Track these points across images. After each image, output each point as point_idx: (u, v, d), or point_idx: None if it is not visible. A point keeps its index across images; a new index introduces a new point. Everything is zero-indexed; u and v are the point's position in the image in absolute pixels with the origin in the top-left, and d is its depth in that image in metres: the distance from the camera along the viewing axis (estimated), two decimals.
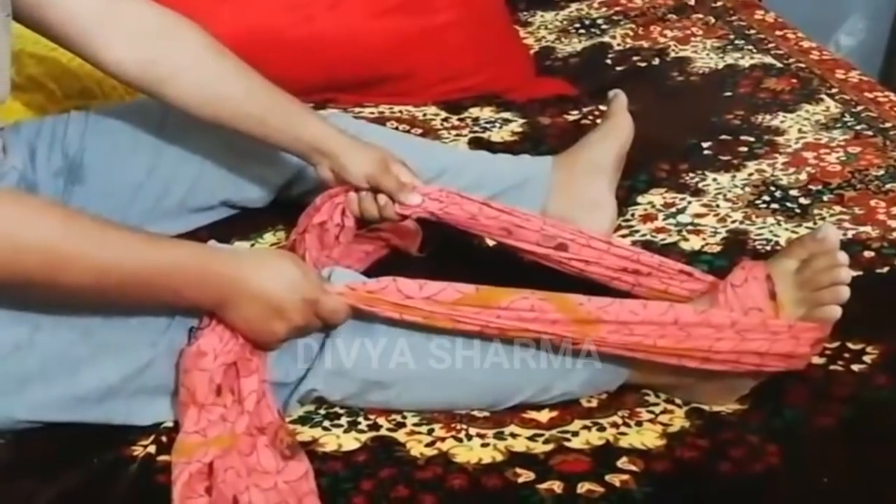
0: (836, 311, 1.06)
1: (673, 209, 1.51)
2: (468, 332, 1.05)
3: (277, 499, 0.97)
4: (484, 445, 1.07)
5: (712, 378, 1.10)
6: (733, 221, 1.47)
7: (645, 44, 2.10)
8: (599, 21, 2.23)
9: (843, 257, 1.06)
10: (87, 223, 0.96)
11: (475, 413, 1.12)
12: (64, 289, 0.95)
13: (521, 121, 1.79)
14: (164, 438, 1.06)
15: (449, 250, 1.35)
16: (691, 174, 1.60)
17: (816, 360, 1.16)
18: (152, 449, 1.05)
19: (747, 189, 1.55)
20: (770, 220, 1.46)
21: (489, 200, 1.22)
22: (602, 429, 1.09)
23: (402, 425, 1.10)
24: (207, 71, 1.23)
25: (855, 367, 1.16)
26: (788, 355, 1.06)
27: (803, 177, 1.57)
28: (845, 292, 1.05)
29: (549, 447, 1.07)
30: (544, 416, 1.11)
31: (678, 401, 1.13)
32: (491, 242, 1.32)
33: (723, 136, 1.70)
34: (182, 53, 1.23)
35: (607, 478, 1.02)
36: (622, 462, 1.04)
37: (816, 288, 1.06)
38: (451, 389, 1.11)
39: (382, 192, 1.21)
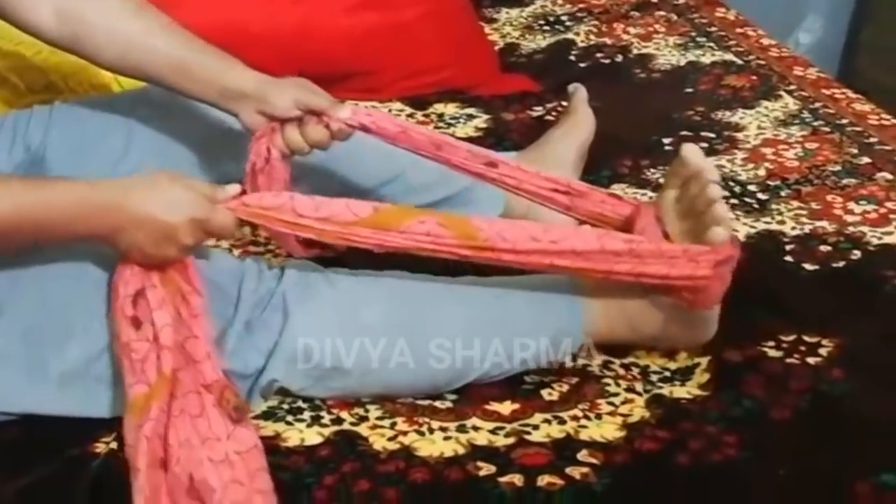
0: (719, 233, 1.08)
1: None
2: (364, 247, 1.06)
3: (230, 475, 0.96)
4: (446, 439, 1.08)
5: (671, 323, 1.14)
6: None
7: (608, 41, 2.12)
8: (563, 18, 2.25)
9: (711, 174, 1.09)
10: None
11: (437, 405, 1.13)
12: None
13: (486, 116, 1.81)
14: None
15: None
16: (653, 170, 1.61)
17: (773, 353, 1.19)
18: (115, 445, 1.05)
19: None
20: (729, 215, 1.48)
21: (449, 196, 1.23)
22: (563, 422, 1.11)
23: (364, 419, 1.11)
24: (127, 24, 1.21)
25: (811, 360, 1.18)
26: (690, 277, 1.09)
27: (762, 172, 1.59)
28: (722, 209, 1.08)
29: (511, 440, 1.08)
30: (506, 408, 1.13)
31: (638, 389, 1.15)
32: None
33: (683, 132, 1.72)
34: (98, 8, 1.21)
35: (567, 470, 1.03)
36: (582, 455, 1.06)
37: (697, 213, 1.09)
38: (410, 372, 1.11)
39: (314, 112, 1.17)
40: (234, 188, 1.06)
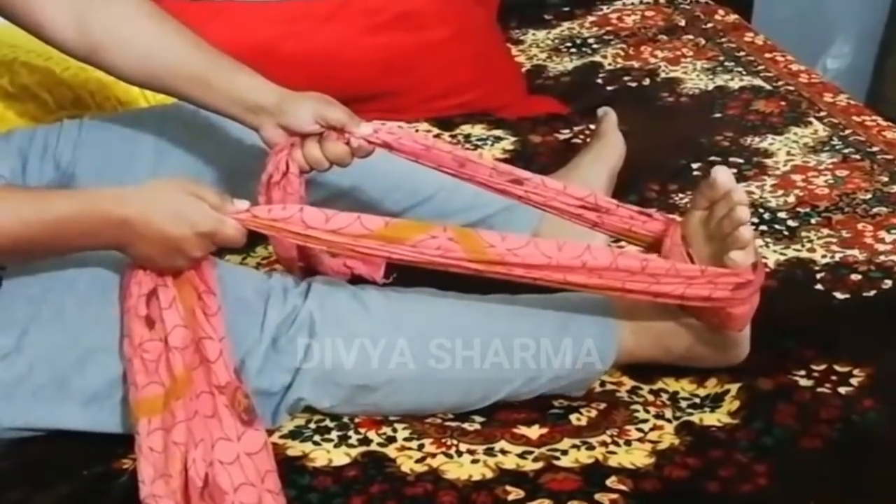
0: (741, 257, 1.08)
1: None
2: (376, 257, 1.07)
3: (242, 478, 0.97)
4: (474, 462, 1.07)
5: (700, 343, 1.14)
6: None
7: (636, 64, 2.11)
8: (591, 40, 2.24)
9: (740, 196, 1.08)
10: None
11: (465, 426, 1.12)
12: None
13: (513, 139, 1.80)
14: None
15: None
16: (681, 194, 1.61)
17: (804, 382, 1.18)
18: None
19: None
20: (759, 241, 1.47)
21: (484, 218, 1.23)
22: (591, 447, 1.10)
23: (392, 440, 1.10)
24: (145, 37, 1.21)
25: (842, 390, 1.17)
26: (708, 298, 1.08)
27: (791, 199, 1.58)
28: (747, 232, 1.08)
29: (539, 465, 1.07)
30: (534, 432, 1.12)
31: (668, 416, 1.14)
32: None
33: (712, 158, 1.71)
34: (116, 18, 1.21)
35: (597, 496, 1.03)
36: (611, 481, 1.05)
37: (723, 236, 1.09)
38: (438, 387, 1.11)
39: (333, 128, 1.15)
40: (244, 203, 1.05)
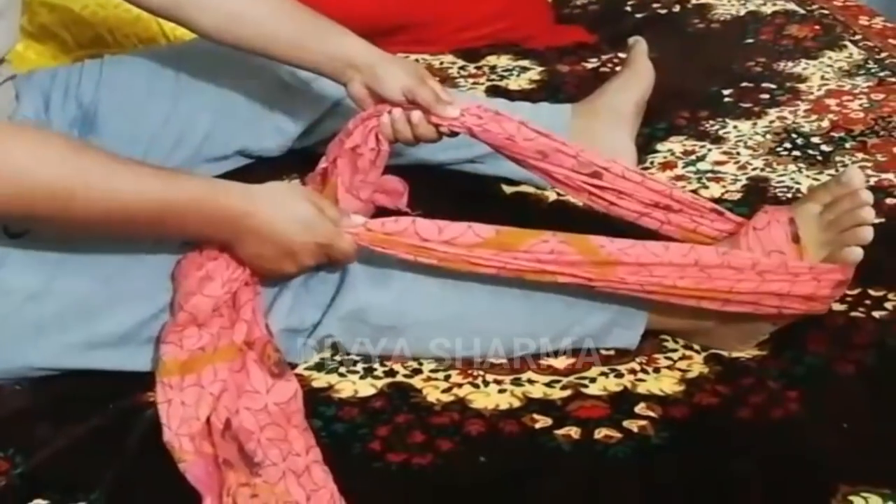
0: (859, 253, 1.04)
1: (693, 157, 1.49)
2: (484, 274, 1.04)
3: (268, 419, 0.98)
4: (501, 391, 1.07)
5: (731, 322, 1.09)
6: (754, 169, 1.45)
7: None
8: None
9: (867, 197, 1.04)
10: (95, 156, 0.95)
11: (492, 360, 1.11)
12: (70, 222, 0.94)
13: (539, 69, 1.77)
14: None
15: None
16: (711, 122, 1.58)
17: (837, 306, 1.15)
18: None
19: (768, 136, 1.53)
20: (791, 167, 1.44)
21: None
22: (620, 375, 1.09)
23: (418, 371, 1.10)
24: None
25: (876, 314, 1.15)
26: (809, 297, 1.05)
27: (825, 124, 1.55)
28: (868, 233, 1.04)
29: (567, 393, 1.06)
30: (561, 363, 1.11)
31: (696, 347, 1.12)
32: None
33: (744, 84, 1.68)
34: None
35: (625, 424, 1.02)
36: (640, 408, 1.04)
37: (840, 229, 1.04)
38: (466, 336, 1.10)
39: (419, 106, 1.14)
40: (360, 218, 1.05)
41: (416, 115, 1.14)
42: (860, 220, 1.04)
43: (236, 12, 1.19)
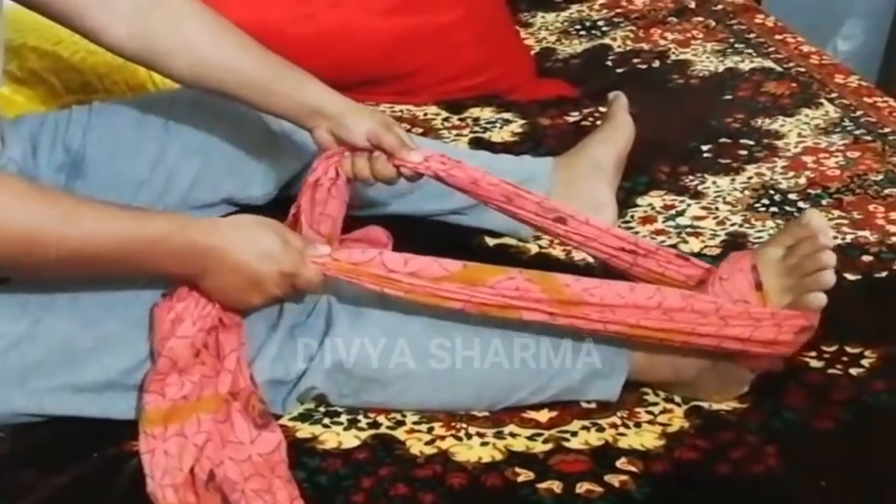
0: (822, 299, 1.05)
1: (672, 211, 1.51)
2: (449, 308, 1.05)
3: (252, 470, 0.98)
4: (483, 444, 1.07)
5: (711, 373, 1.10)
6: (732, 224, 1.47)
7: (645, 46, 2.10)
8: (600, 23, 2.23)
9: (827, 240, 1.06)
10: (62, 201, 0.96)
11: (474, 412, 1.12)
12: (43, 266, 0.95)
13: (522, 121, 1.80)
14: None
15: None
16: (691, 177, 1.60)
17: (815, 363, 1.17)
18: None
19: (746, 192, 1.55)
20: (769, 223, 1.47)
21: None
22: (601, 429, 1.10)
23: (401, 423, 1.10)
24: (203, 43, 1.21)
25: (853, 371, 1.17)
26: (771, 342, 1.06)
27: (802, 181, 1.57)
28: (830, 277, 1.05)
29: (549, 447, 1.07)
30: (543, 416, 1.12)
31: (677, 400, 1.14)
32: None
33: (722, 140, 1.70)
34: (178, 25, 1.20)
35: (606, 478, 1.03)
36: (621, 463, 1.05)
37: (802, 275, 1.06)
38: (450, 389, 1.11)
39: (384, 150, 1.17)
40: (326, 248, 1.06)
41: (378, 156, 1.17)
42: (821, 264, 1.05)
43: (200, 57, 1.20)
